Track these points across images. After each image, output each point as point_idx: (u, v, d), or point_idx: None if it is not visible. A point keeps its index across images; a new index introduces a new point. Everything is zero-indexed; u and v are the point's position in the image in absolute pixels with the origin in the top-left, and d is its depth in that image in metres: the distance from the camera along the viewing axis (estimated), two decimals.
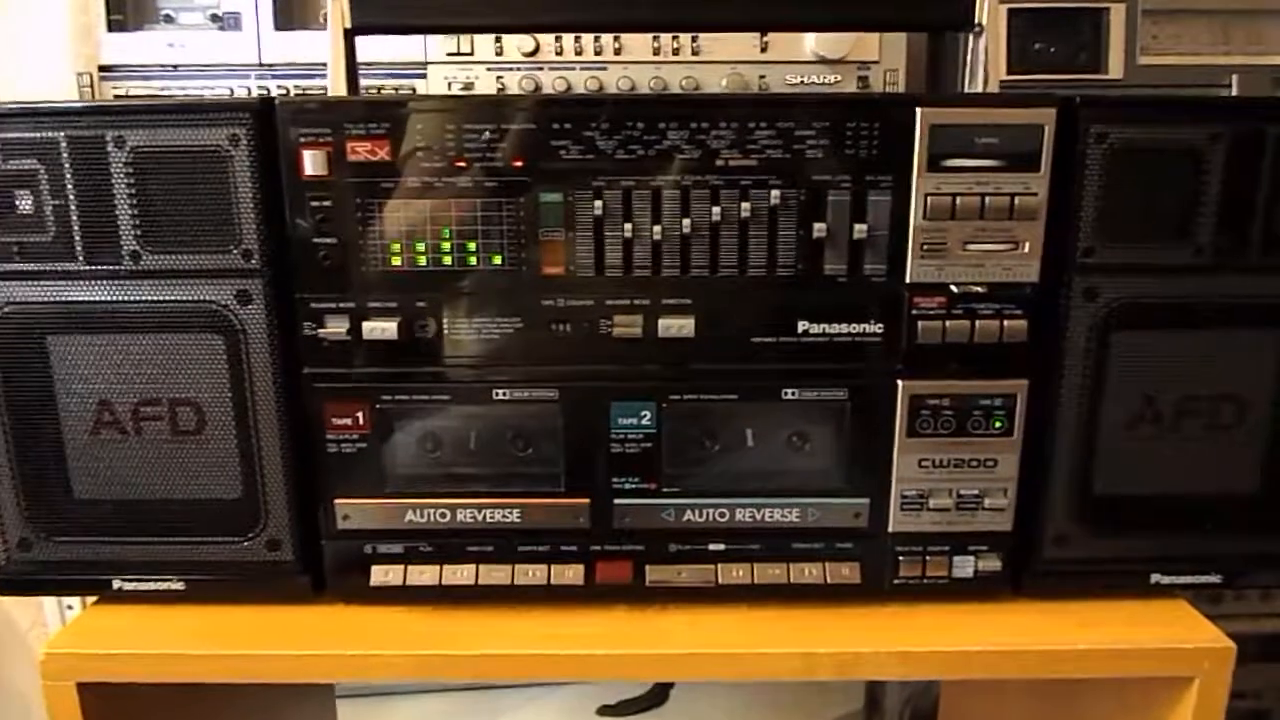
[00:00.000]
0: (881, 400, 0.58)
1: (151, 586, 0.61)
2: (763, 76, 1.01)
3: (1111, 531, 0.60)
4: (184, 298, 0.57)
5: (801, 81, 1.01)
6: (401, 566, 0.60)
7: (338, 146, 0.54)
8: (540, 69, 1.01)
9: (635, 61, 1.00)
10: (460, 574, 0.60)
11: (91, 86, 1.04)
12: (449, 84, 1.01)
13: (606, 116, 0.53)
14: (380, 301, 0.56)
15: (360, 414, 0.58)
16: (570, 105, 0.54)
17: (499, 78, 1.01)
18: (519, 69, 1.01)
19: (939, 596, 0.61)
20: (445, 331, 0.57)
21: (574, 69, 1.00)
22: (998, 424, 0.58)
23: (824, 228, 0.55)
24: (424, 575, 0.60)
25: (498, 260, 0.56)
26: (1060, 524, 0.60)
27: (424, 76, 1.00)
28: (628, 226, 0.55)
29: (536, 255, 0.56)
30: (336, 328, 0.57)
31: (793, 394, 0.58)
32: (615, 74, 0.99)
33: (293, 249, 0.56)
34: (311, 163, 0.54)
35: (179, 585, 0.60)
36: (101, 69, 1.05)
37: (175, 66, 1.03)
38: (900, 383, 0.57)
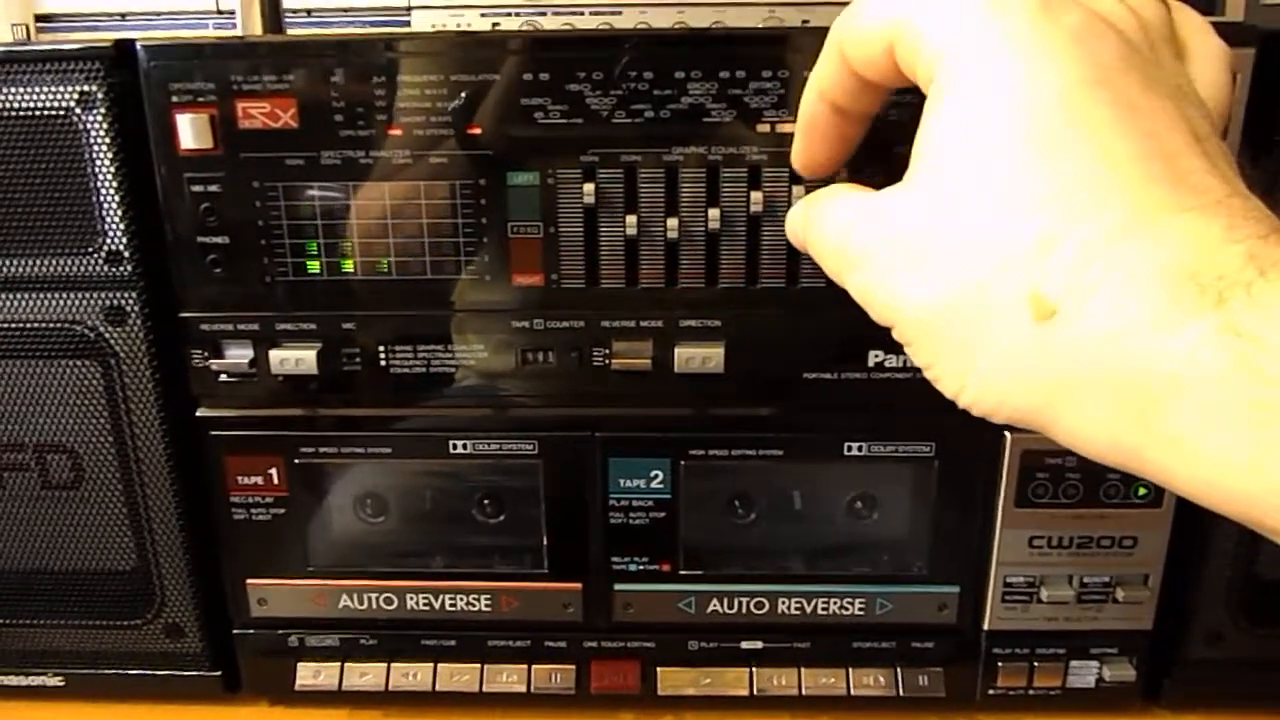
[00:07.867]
0: (982, 457, 0.44)
1: (21, 682, 0.49)
2: (805, 21, 0.85)
3: None
4: (36, 316, 0.43)
5: None
6: (337, 664, 0.47)
7: (225, 109, 0.39)
8: (543, 13, 0.87)
9: (655, 3, 0.85)
10: (414, 675, 0.47)
11: (28, 39, 0.92)
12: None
13: (599, 61, 0.37)
14: (293, 323, 0.42)
15: (273, 471, 0.44)
16: (546, 45, 0.38)
17: (495, 23, 0.87)
18: (518, 13, 0.87)
19: (1046, 710, 0.48)
20: (382, 362, 0.42)
21: (582, 13, 0.86)
22: (1141, 491, 0.44)
23: None
24: (366, 676, 0.47)
25: (451, 266, 0.41)
26: (1215, 616, 0.47)
27: (407, 23, 0.87)
28: (631, 219, 0.39)
29: (504, 259, 0.40)
30: (236, 357, 0.42)
31: (859, 449, 0.44)
32: (631, 18, 0.85)
33: (173, 252, 0.41)
34: (190, 131, 0.39)
35: (57, 680, 0.49)
36: (39, 19, 0.94)
37: (123, 16, 0.92)
38: (1009, 434, 0.43)
